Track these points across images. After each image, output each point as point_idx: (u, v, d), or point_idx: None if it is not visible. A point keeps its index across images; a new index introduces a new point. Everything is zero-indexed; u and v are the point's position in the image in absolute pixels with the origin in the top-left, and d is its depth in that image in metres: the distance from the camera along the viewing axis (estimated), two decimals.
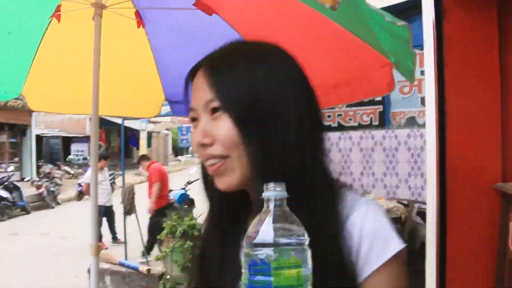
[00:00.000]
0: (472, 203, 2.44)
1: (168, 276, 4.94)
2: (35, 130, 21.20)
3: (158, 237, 5.93)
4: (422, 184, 5.24)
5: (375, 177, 5.71)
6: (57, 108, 3.16)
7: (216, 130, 0.81)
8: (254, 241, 0.61)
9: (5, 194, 13.08)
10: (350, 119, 6.07)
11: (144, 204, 8.04)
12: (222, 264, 0.92)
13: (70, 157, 24.01)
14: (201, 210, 6.39)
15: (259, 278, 0.60)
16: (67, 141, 25.43)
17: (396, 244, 0.80)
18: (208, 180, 0.91)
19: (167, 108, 3.38)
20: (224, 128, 0.80)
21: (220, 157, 0.81)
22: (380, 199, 4.72)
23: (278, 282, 0.59)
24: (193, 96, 0.87)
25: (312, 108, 0.87)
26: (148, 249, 7.37)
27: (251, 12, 2.09)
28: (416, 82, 5.35)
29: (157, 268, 5.20)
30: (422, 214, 4.65)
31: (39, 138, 22.11)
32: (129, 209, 7.27)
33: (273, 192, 0.64)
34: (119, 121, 8.35)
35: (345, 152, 5.99)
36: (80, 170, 21.36)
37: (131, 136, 24.51)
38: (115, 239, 9.08)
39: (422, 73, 5.13)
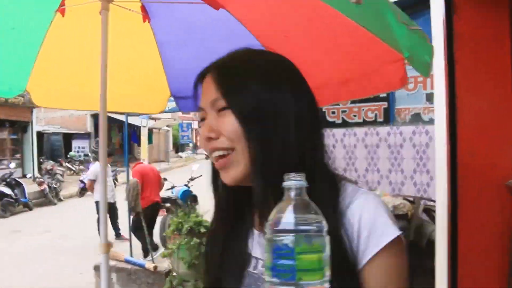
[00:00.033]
0: (483, 200, 2.42)
1: (174, 273, 4.92)
2: (36, 126, 21.20)
3: (164, 234, 5.91)
4: (428, 181, 5.21)
5: (380, 173, 5.68)
6: (62, 103, 3.12)
7: (221, 125, 0.91)
8: (277, 228, 0.66)
9: (7, 190, 13.11)
10: (355, 116, 6.04)
11: None
12: (227, 256, 1.00)
13: (71, 153, 24.00)
14: (204, 206, 6.42)
15: (283, 262, 0.64)
16: (68, 138, 25.42)
17: (393, 231, 0.85)
18: (216, 175, 1.00)
19: (170, 104, 3.35)
20: (229, 123, 0.89)
21: (225, 149, 0.91)
22: (386, 196, 4.69)
23: (301, 266, 0.63)
24: (202, 97, 0.97)
25: (311, 108, 0.95)
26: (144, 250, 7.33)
27: (260, 7, 2.05)
28: (421, 79, 5.31)
29: (164, 265, 5.19)
30: (428, 211, 4.62)
31: (40, 135, 22.11)
32: (134, 205, 7.24)
33: (293, 181, 0.68)
34: (120, 117, 8.34)
35: (349, 148, 5.96)
36: (81, 167, 21.39)
37: (132, 133, 24.44)
38: (118, 235, 9.08)
39: None
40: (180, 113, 32.02)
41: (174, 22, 2.49)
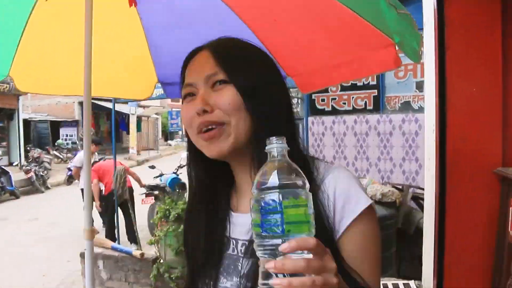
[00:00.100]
0: (471, 187, 2.42)
1: (161, 260, 4.91)
2: (23, 114, 20.94)
3: (151, 221, 5.89)
4: (417, 169, 5.24)
5: (369, 161, 5.70)
6: (46, 89, 3.05)
7: (218, 99, 0.94)
8: (263, 186, 0.69)
9: None
10: (344, 103, 6.03)
11: (135, 188, 8.02)
12: (206, 240, 1.03)
13: (59, 141, 23.79)
14: None
15: (271, 216, 0.66)
16: (55, 126, 25.16)
17: (366, 200, 0.91)
18: (195, 155, 1.04)
19: (158, 91, 3.30)
20: (227, 95, 0.94)
21: (218, 123, 0.94)
22: (375, 183, 4.70)
23: (289, 219, 0.66)
24: (192, 73, 1.01)
25: (288, 91, 1.04)
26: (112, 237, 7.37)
27: None
28: (411, 67, 5.31)
29: (151, 252, 5.17)
30: (416, 198, 4.66)
31: (26, 123, 21.85)
32: (121, 193, 7.21)
33: (275, 144, 0.72)
34: (108, 105, 8.26)
35: (339, 136, 5.97)
36: (69, 155, 21.22)
37: (121, 121, 24.30)
38: (105, 223, 9.04)
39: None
40: (169, 101, 31.85)
41: (161, 7, 2.44)
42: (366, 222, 0.91)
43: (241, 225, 1.00)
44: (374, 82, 5.71)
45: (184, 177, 8.76)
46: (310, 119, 6.25)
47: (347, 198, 0.91)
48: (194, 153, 1.04)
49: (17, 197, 13.80)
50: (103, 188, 7.80)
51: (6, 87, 16.20)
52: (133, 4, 2.30)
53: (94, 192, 7.58)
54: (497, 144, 2.36)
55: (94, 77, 2.21)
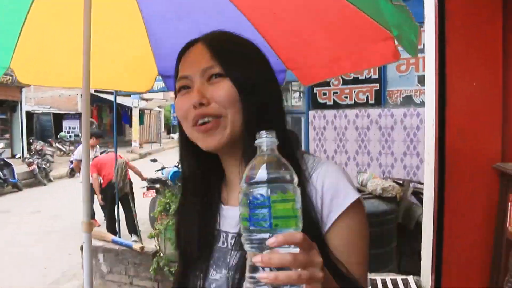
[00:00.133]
0: (470, 182, 2.42)
1: (161, 254, 4.92)
2: (26, 106, 20.96)
3: (152, 214, 5.90)
4: (418, 164, 5.23)
5: (370, 156, 5.69)
6: (47, 81, 3.05)
7: (214, 92, 0.95)
8: (251, 180, 0.69)
9: None
10: (346, 97, 6.01)
11: (136, 181, 8.04)
12: (197, 233, 1.03)
13: (62, 134, 23.83)
14: None
15: (259, 211, 0.67)
16: (58, 118, 25.20)
17: (354, 194, 0.92)
18: (187, 147, 1.05)
19: (160, 84, 3.29)
20: (224, 88, 0.95)
21: (214, 115, 0.95)
22: (375, 178, 4.70)
23: (276, 213, 0.66)
24: (188, 66, 1.01)
25: (278, 85, 1.06)
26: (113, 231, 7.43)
27: None
28: (413, 60, 5.29)
29: (151, 245, 5.19)
30: (417, 193, 4.65)
31: (29, 115, 21.89)
32: (122, 186, 7.23)
33: (265, 138, 0.72)
34: (110, 98, 8.27)
35: (340, 130, 5.95)
36: (72, 147, 21.25)
37: (123, 114, 24.31)
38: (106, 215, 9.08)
39: (420, 51, 5.09)
40: (172, 94, 31.79)
41: None
42: (354, 216, 0.92)
43: (231, 218, 1.01)
44: (376, 76, 5.69)
45: None
46: (312, 113, 6.24)
47: (335, 192, 0.91)
48: (186, 145, 1.05)
49: (20, 190, 13.84)
50: (102, 181, 7.84)
51: (9, 79, 16.19)
52: None
53: (95, 186, 7.65)
54: (496, 140, 2.35)
55: (94, 69, 2.21)
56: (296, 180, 0.71)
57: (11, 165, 13.83)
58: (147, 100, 28.09)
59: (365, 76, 5.78)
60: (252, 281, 0.68)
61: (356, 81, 5.86)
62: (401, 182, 4.85)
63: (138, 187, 8.12)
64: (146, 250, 4.99)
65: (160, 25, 2.59)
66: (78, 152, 8.41)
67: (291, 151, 0.96)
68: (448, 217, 2.40)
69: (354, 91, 5.93)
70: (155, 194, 7.89)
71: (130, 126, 25.10)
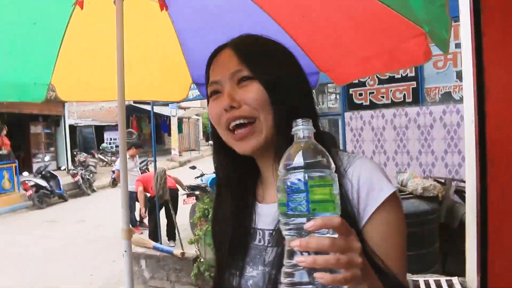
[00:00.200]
0: None
1: (202, 259, 4.97)
2: (68, 120, 21.65)
3: (191, 220, 5.98)
4: (460, 162, 5.09)
5: (410, 155, 5.57)
6: (86, 96, 3.16)
7: (244, 95, 0.96)
8: (289, 166, 0.70)
9: (43, 183, 13.48)
10: (383, 97, 5.92)
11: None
12: (233, 231, 1.04)
13: (103, 145, 24.46)
14: None
15: (296, 195, 0.67)
16: (99, 130, 25.90)
17: (389, 188, 0.91)
18: (221, 150, 1.07)
19: (195, 92, 3.34)
20: (253, 91, 0.96)
21: (246, 117, 0.96)
22: (416, 177, 4.60)
23: (314, 198, 0.67)
24: (217, 71, 1.03)
25: (309, 86, 1.05)
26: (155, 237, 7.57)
27: None
28: (451, 56, 5.16)
29: (191, 251, 5.25)
30: (460, 192, 4.52)
31: (72, 128, 22.59)
32: (162, 193, 7.36)
33: (301, 126, 0.73)
34: (149, 108, 8.44)
35: (378, 130, 5.86)
36: (113, 158, 21.77)
37: (162, 123, 24.75)
38: (141, 222, 9.31)
39: (457, 46, 4.96)
40: None
41: (191, 9, 2.47)
42: (390, 209, 0.91)
43: (266, 215, 1.02)
44: (413, 74, 5.57)
45: None
46: (348, 114, 6.17)
47: (371, 186, 0.91)
48: (220, 149, 1.07)
49: (65, 200, 14.30)
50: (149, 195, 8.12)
51: (52, 94, 16.70)
52: (164, 8, 2.35)
53: (140, 200, 8.04)
54: None
55: (130, 81, 2.26)
56: (333, 166, 0.71)
57: (57, 176, 14.30)
58: (184, 108, 28.48)
59: (401, 75, 5.68)
60: (290, 265, 0.67)
61: (392, 80, 5.76)
62: (442, 181, 4.73)
63: (179, 194, 8.24)
64: (186, 256, 5.06)
65: (192, 36, 2.63)
66: (118, 163, 8.64)
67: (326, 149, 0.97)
68: (492, 216, 2.32)
69: (391, 90, 5.83)
70: (195, 201, 8.00)
71: (169, 134, 25.53)
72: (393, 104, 5.81)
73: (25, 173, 14.41)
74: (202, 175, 9.28)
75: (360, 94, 6.09)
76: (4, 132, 14.80)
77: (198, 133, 36.11)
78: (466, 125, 2.62)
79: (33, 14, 2.32)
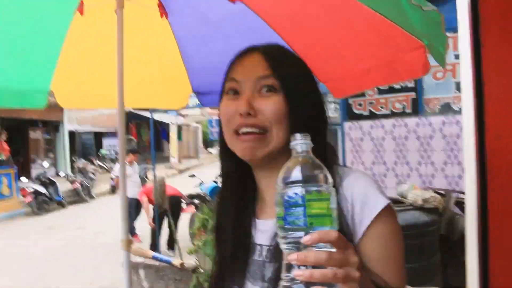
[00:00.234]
0: None
1: (201, 270, 4.94)
2: (68, 126, 21.65)
3: (190, 231, 5.95)
4: (460, 173, 5.07)
5: (409, 166, 5.56)
6: (85, 103, 3.17)
7: (264, 105, 0.96)
8: (287, 180, 0.70)
9: (42, 189, 13.47)
10: (382, 107, 5.92)
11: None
12: (233, 246, 1.04)
13: (103, 151, 24.45)
14: None
15: (294, 209, 0.68)
16: (99, 136, 25.89)
17: (383, 200, 0.91)
18: (226, 153, 1.05)
19: (196, 101, 3.35)
20: (274, 104, 0.96)
21: (260, 128, 0.96)
22: (416, 189, 4.58)
23: (311, 212, 0.67)
24: (241, 71, 1.01)
25: (324, 102, 1.06)
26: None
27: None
28: (450, 67, 5.16)
29: (191, 261, 5.22)
30: (460, 204, 4.49)
31: (71, 134, 22.58)
32: (161, 202, 7.34)
33: (299, 141, 0.73)
34: (148, 115, 8.44)
35: (377, 141, 5.85)
36: (112, 165, 21.72)
37: (162, 130, 24.76)
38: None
39: (456, 57, 4.97)
40: (209, 109, 32.15)
41: (192, 18, 2.49)
42: (386, 221, 0.91)
43: (265, 231, 1.01)
44: (412, 84, 5.57)
45: None
46: (347, 124, 6.16)
47: (365, 200, 0.91)
48: (225, 150, 1.06)
49: (64, 207, 14.27)
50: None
51: (52, 100, 16.78)
52: (164, 16, 2.36)
53: (146, 210, 7.97)
54: None
55: (129, 89, 2.27)
56: (330, 180, 0.72)
57: (56, 183, 14.29)
58: (184, 116, 28.53)
59: (400, 85, 5.68)
60: (288, 279, 0.68)
61: (391, 90, 5.76)
62: (443, 192, 4.71)
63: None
64: (186, 266, 5.02)
65: (192, 44, 2.64)
66: (117, 169, 8.63)
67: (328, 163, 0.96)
68: (492, 228, 2.30)
69: (390, 101, 5.82)
70: (194, 210, 7.97)
71: (169, 142, 25.55)
72: (392, 114, 5.80)
73: (24, 179, 14.38)
74: (201, 183, 9.25)
75: (360, 104, 6.09)
76: (4, 137, 14.79)
77: (197, 140, 36.14)
78: (465, 136, 2.61)
79: (33, 21, 2.33)
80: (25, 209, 13.25)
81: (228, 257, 1.06)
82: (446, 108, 5.36)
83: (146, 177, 14.02)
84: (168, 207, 7.32)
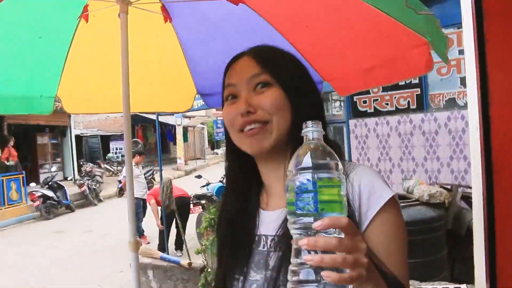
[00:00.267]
0: None
1: (209, 269, 4.96)
2: (74, 130, 21.74)
3: (198, 230, 5.98)
4: (466, 168, 5.07)
5: (415, 162, 5.56)
6: (92, 108, 3.18)
7: (261, 100, 1.01)
8: (298, 166, 0.71)
9: (50, 193, 13.52)
10: (387, 104, 5.92)
11: None
12: (237, 236, 1.07)
13: (109, 155, 24.53)
14: None
15: (305, 195, 0.68)
16: (105, 140, 25.98)
17: (389, 192, 0.94)
18: (232, 151, 1.10)
19: (200, 102, 3.36)
20: (270, 97, 1.01)
21: (262, 122, 1.00)
22: (422, 184, 4.58)
23: (322, 198, 0.68)
24: (234, 75, 1.07)
25: (320, 94, 1.12)
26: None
27: (279, 0, 2.03)
28: (454, 62, 5.15)
29: (198, 261, 5.24)
30: (467, 198, 4.49)
31: (78, 138, 22.68)
32: (168, 203, 7.37)
33: (311, 128, 0.75)
34: (154, 117, 8.49)
35: (383, 137, 5.85)
36: (119, 167, 21.83)
37: (167, 132, 24.79)
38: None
39: (460, 52, 4.97)
40: (214, 110, 32.18)
41: (195, 21, 2.49)
42: (391, 212, 0.94)
43: (270, 222, 1.04)
44: (417, 81, 5.57)
45: None
46: (353, 121, 6.17)
47: (372, 190, 0.94)
48: (231, 149, 1.11)
49: (72, 211, 14.34)
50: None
51: (58, 105, 16.83)
52: (168, 20, 2.37)
53: (154, 212, 8.07)
54: None
55: (135, 93, 2.28)
56: (341, 168, 0.72)
57: (64, 187, 14.36)
58: (190, 117, 28.55)
59: (405, 82, 5.67)
60: (297, 263, 0.69)
61: (396, 87, 5.75)
62: (449, 187, 4.71)
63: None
64: (193, 266, 5.05)
65: (196, 47, 2.65)
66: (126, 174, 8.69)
67: None
68: (499, 222, 2.30)
69: (395, 97, 5.83)
70: (201, 210, 8.00)
71: (175, 143, 25.59)
72: (397, 111, 5.80)
73: (32, 184, 14.46)
74: (208, 184, 9.28)
75: (365, 102, 6.10)
76: (11, 143, 14.89)
77: (203, 141, 36.14)
78: (470, 131, 2.62)
79: (39, 28, 2.35)
80: (34, 214, 13.31)
81: (231, 247, 1.08)
82: (451, 103, 5.35)
83: (153, 179, 14.06)
84: (176, 208, 7.36)
